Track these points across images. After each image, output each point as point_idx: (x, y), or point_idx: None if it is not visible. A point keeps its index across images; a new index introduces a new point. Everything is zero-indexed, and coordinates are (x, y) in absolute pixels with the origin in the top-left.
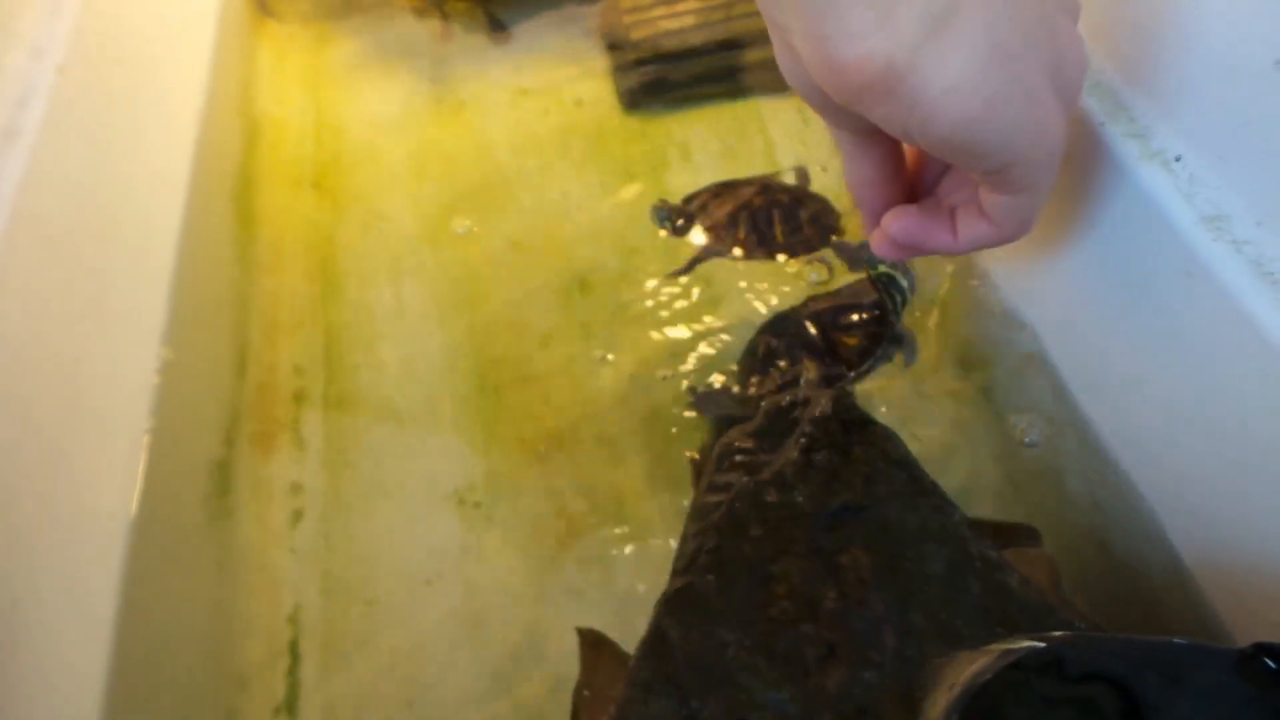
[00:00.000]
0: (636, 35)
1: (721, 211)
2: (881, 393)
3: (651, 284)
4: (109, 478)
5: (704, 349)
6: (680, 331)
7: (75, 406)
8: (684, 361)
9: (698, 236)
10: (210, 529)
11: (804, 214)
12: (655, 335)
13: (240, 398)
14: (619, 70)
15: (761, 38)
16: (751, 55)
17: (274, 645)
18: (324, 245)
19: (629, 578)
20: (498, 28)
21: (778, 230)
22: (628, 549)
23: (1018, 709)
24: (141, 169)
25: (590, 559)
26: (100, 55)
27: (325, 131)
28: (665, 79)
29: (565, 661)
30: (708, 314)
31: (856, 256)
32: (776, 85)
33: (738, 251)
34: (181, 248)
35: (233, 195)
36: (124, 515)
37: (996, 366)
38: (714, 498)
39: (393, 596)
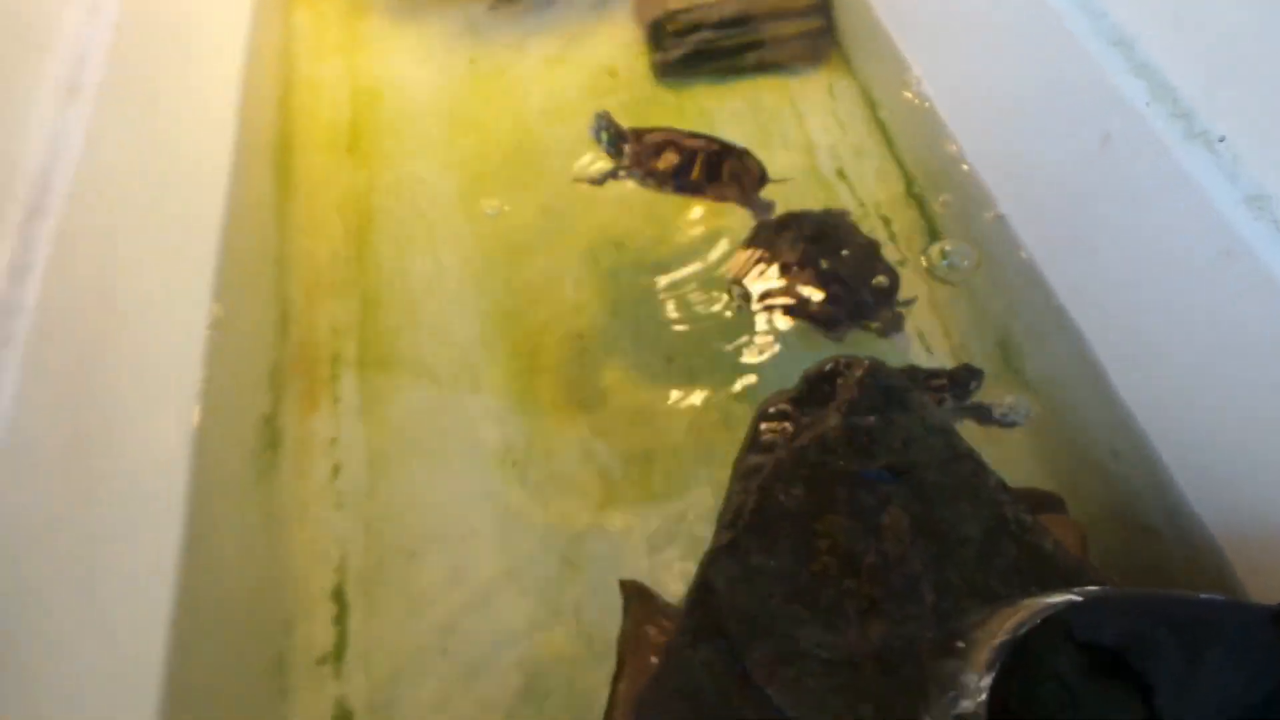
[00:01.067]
0: (674, 5)
1: (652, 140)
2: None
3: (683, 249)
4: (167, 427)
5: (734, 312)
6: (711, 293)
7: (135, 356)
8: (717, 323)
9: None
10: (259, 481)
11: (726, 168)
12: (688, 299)
13: (283, 356)
14: (654, 42)
15: (795, 14)
16: (785, 29)
17: (319, 593)
18: (360, 209)
19: (661, 538)
20: None
21: (696, 171)
22: (660, 511)
23: (1056, 658)
24: (190, 128)
25: (623, 519)
26: (152, 13)
27: (361, 96)
28: (700, 52)
29: (597, 617)
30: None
31: (763, 208)
32: (808, 60)
33: (651, 181)
34: (228, 206)
35: (272, 157)
36: (182, 463)
37: (1024, 335)
38: (757, 458)
39: (432, 549)
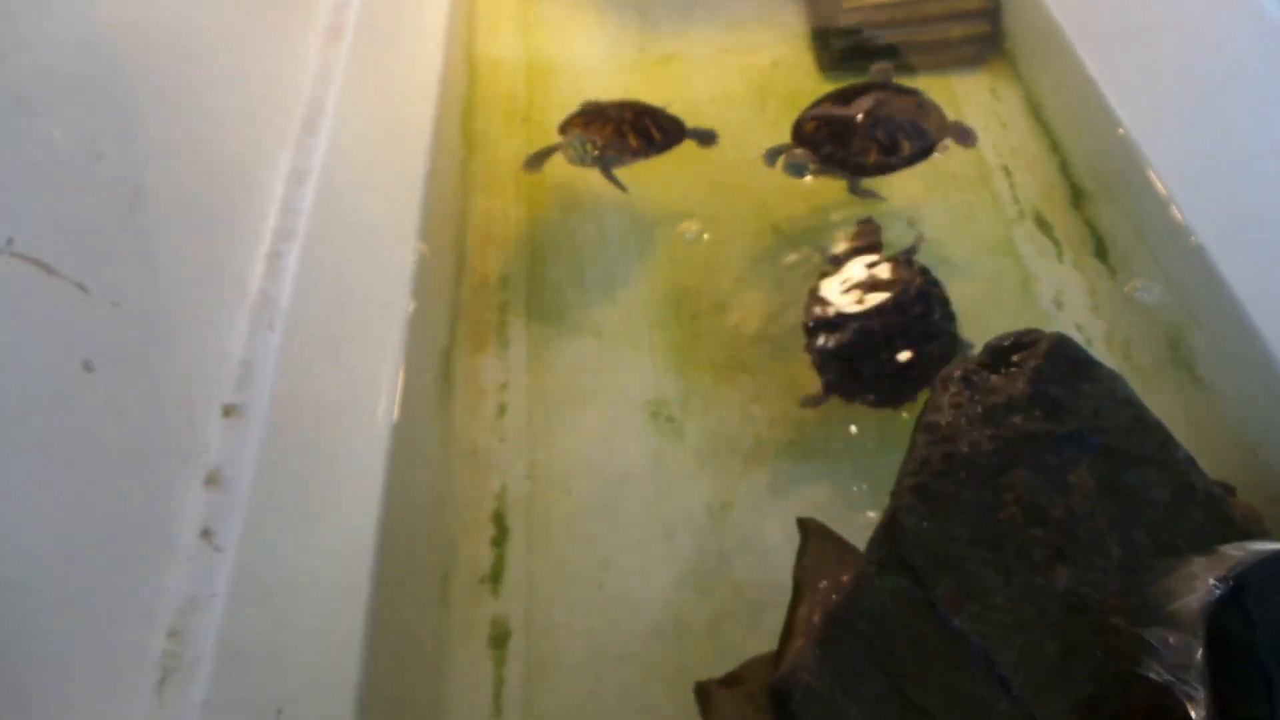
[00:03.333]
0: (849, 4)
1: (607, 130)
2: None
3: (840, 235)
4: (390, 334)
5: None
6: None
7: (371, 266)
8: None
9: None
10: (438, 408)
11: (660, 119)
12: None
13: (459, 298)
14: (819, 37)
15: (961, 17)
16: (951, 32)
17: (482, 518)
18: (532, 174)
19: (808, 498)
20: None
21: (654, 133)
22: (808, 472)
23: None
24: (410, 79)
25: (773, 477)
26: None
27: (536, 72)
28: (864, 48)
29: (742, 564)
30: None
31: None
32: (970, 61)
33: (631, 158)
34: (430, 156)
35: (460, 120)
36: (395, 374)
37: (1196, 333)
38: (942, 416)
39: (590, 488)
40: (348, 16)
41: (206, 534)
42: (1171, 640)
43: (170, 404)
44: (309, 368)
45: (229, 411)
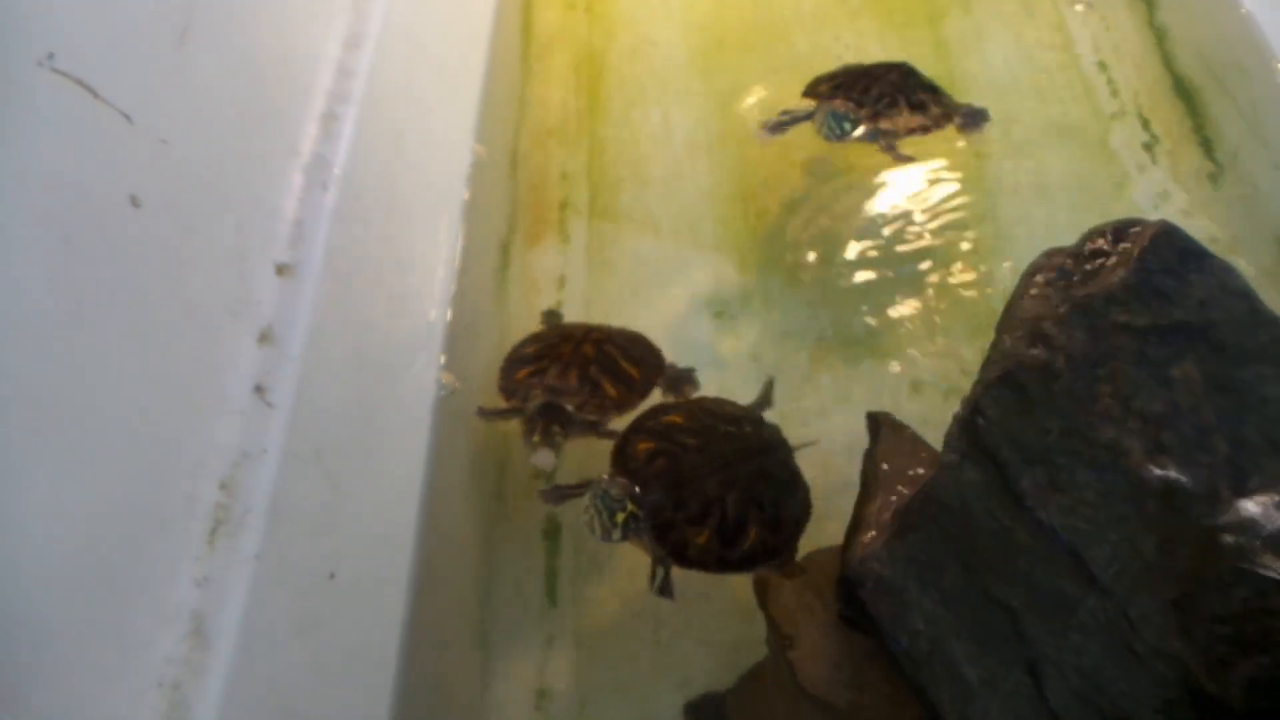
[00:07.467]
0: None
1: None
2: None
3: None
4: (444, 218)
5: (959, 200)
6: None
7: (429, 152)
8: (944, 205)
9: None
10: (496, 296)
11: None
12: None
13: (515, 194)
14: None
15: None
16: None
17: None
18: (594, 65)
19: (873, 399)
20: None
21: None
22: (875, 377)
23: None
24: None
25: (838, 377)
26: None
27: None
28: None
29: (811, 461)
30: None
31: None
32: None
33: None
34: (489, 56)
35: (521, 12)
36: (451, 252)
37: None
38: (1032, 305)
39: None
40: None
41: (259, 390)
42: None
43: (221, 255)
44: (364, 234)
45: (281, 270)
